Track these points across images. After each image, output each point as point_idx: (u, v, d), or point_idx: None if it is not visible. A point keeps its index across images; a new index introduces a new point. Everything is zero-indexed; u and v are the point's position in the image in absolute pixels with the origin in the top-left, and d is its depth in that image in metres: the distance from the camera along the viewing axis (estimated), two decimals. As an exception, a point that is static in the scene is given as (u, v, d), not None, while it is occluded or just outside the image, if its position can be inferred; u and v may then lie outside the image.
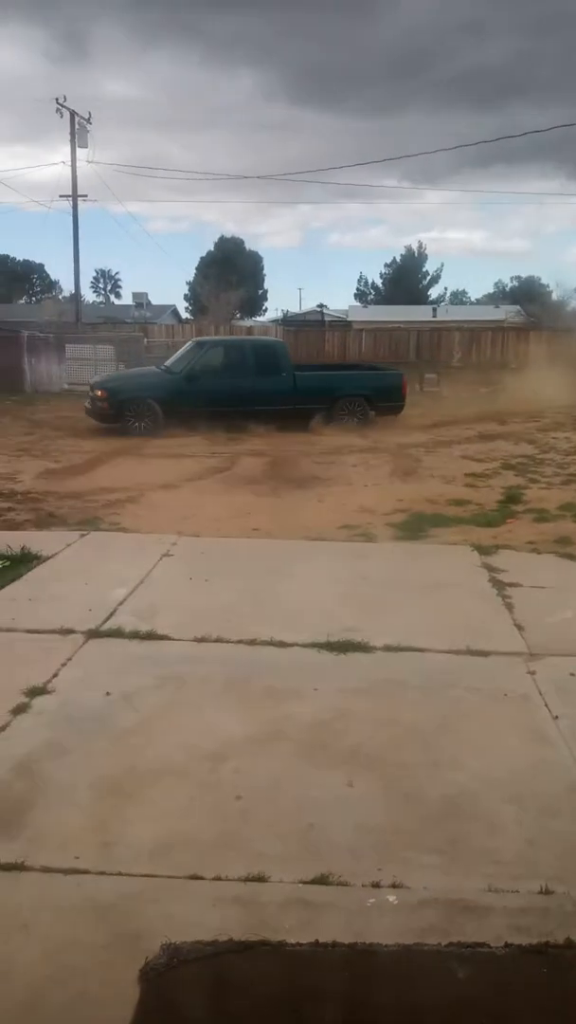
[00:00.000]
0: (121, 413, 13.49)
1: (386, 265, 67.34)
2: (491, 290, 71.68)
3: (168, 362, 15.08)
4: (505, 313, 44.53)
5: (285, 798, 2.94)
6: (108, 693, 3.73)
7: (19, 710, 3.55)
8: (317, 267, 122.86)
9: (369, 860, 2.60)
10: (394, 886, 2.47)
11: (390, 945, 2.21)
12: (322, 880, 2.49)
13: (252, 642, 4.33)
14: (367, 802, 2.92)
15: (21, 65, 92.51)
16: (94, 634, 4.44)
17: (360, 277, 70.79)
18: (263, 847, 2.65)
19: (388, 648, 4.27)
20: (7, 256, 67.09)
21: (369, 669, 4.05)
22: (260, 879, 2.49)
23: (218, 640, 4.36)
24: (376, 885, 2.47)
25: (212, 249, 63.75)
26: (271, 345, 15.75)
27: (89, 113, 32.34)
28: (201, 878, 2.50)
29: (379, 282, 67.17)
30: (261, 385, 13.88)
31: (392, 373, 15.82)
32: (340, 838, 2.71)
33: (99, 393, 13.88)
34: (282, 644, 4.31)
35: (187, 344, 15.89)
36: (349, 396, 14.44)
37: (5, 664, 4.07)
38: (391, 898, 2.42)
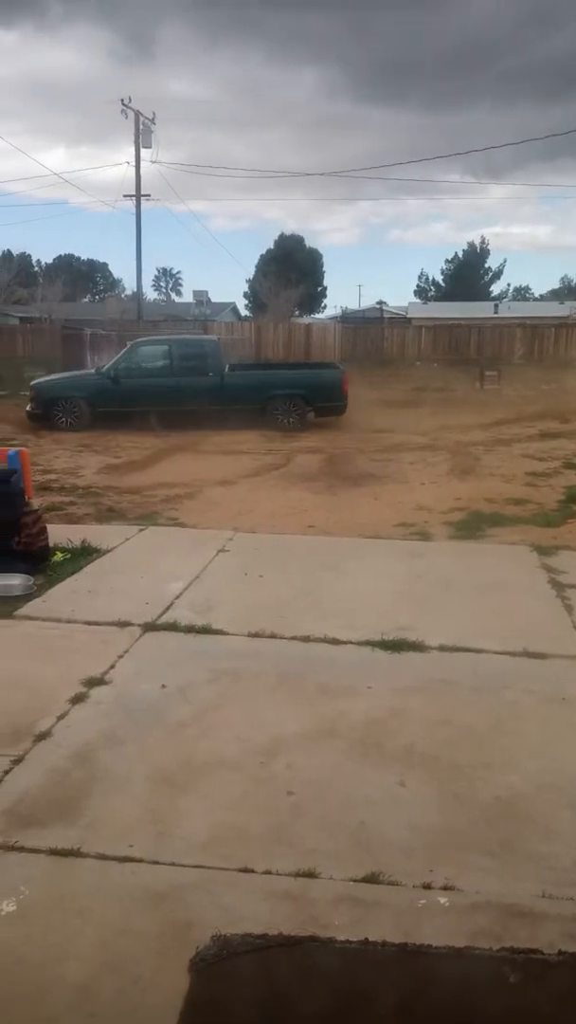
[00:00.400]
0: (49, 411, 14.00)
1: (447, 261, 66.50)
2: (556, 286, 70.13)
3: (108, 363, 15.18)
4: (570, 309, 43.47)
5: (337, 795, 2.94)
6: (163, 686, 3.78)
7: (77, 700, 3.63)
8: (377, 264, 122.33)
9: (420, 860, 2.58)
10: (445, 888, 2.44)
11: (440, 947, 2.19)
12: (372, 879, 2.48)
13: (306, 639, 4.34)
14: (419, 802, 2.90)
15: (88, 66, 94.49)
16: (151, 627, 4.51)
17: (421, 273, 70.03)
18: (314, 843, 2.66)
19: (443, 648, 4.22)
20: (72, 256, 68.56)
21: (424, 668, 4.02)
22: (310, 875, 2.50)
23: (272, 636, 4.38)
24: (427, 886, 2.45)
25: (272, 247, 63.94)
26: (200, 343, 15.38)
27: (153, 113, 32.94)
28: (252, 871, 2.52)
29: (440, 278, 66.41)
30: (188, 384, 13.77)
31: (330, 371, 15.15)
32: (391, 837, 2.70)
33: (29, 393, 14.55)
34: (336, 641, 4.31)
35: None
36: (283, 395, 13.95)
37: (64, 654, 4.16)
38: (442, 900, 2.40)
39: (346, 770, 3.11)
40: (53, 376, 16.37)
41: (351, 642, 4.30)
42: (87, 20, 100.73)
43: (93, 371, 15.48)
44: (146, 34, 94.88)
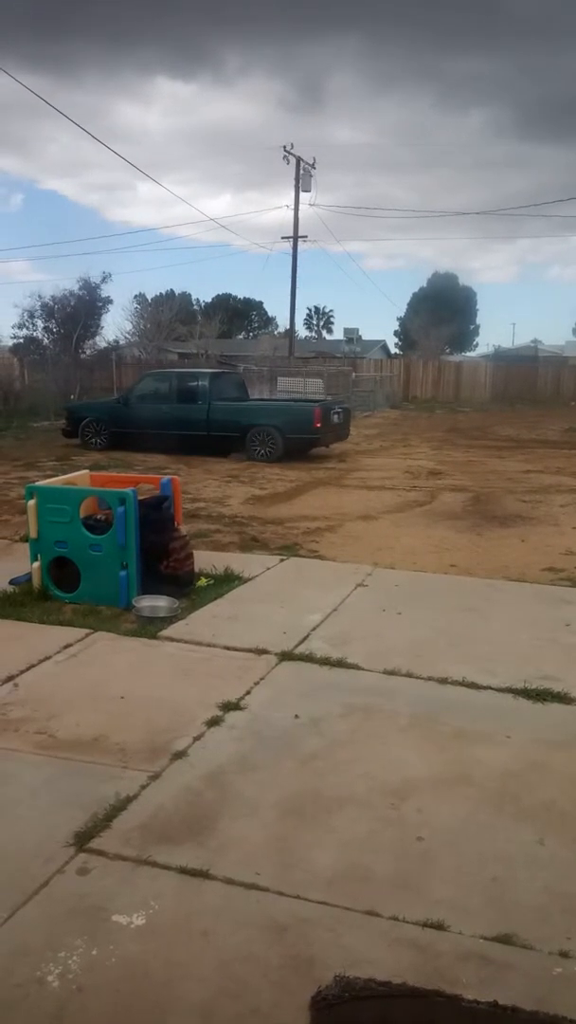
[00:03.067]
0: (76, 429, 15.87)
1: (609, 298, 63.97)
2: None
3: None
4: None
5: (469, 846, 2.82)
6: (297, 716, 3.79)
7: (213, 722, 3.71)
8: (534, 302, 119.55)
9: (557, 926, 2.42)
10: (585, 959, 2.28)
11: (577, 1023, 2.03)
12: (505, 939, 2.36)
13: (443, 681, 4.23)
14: (559, 864, 2.73)
15: (258, 116, 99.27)
16: (287, 656, 4.55)
17: (580, 311, 67.67)
18: (443, 893, 2.56)
19: (591, 701, 3.99)
20: (229, 295, 71.54)
21: (569, 722, 3.81)
22: (438, 927, 2.40)
23: (408, 675, 4.30)
24: (564, 955, 2.30)
25: (425, 285, 63.98)
26: (195, 376, 15.97)
27: (314, 158, 33.96)
28: (378, 915, 2.45)
29: (600, 316, 63.84)
30: (181, 413, 14.81)
31: (303, 405, 14.91)
32: (527, 898, 2.56)
33: (65, 413, 16.79)
34: (474, 685, 4.17)
35: None
36: (259, 427, 14.27)
37: (203, 677, 4.27)
38: (581, 972, 2.23)
39: (480, 821, 2.99)
40: (85, 401, 19.33)
41: (491, 687, 4.15)
42: (262, 71, 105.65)
43: (115, 398, 17.10)
44: (316, 83, 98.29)
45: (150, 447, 14.68)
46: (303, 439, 14.34)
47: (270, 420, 14.49)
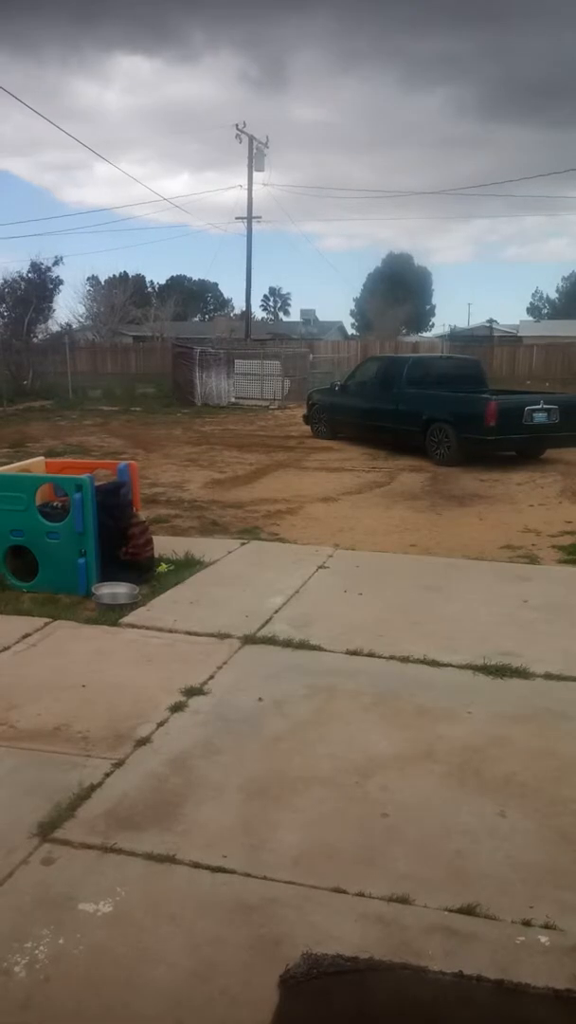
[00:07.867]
0: (309, 417, 15.73)
1: (564, 278, 64.90)
2: None
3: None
4: None
5: (433, 820, 2.87)
6: (260, 699, 3.80)
7: (177, 708, 3.70)
8: (490, 282, 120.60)
9: (520, 896, 2.47)
10: (546, 927, 2.33)
11: (540, 987, 2.09)
12: (468, 910, 2.40)
13: (405, 659, 4.27)
14: (520, 835, 2.79)
15: (221, 94, 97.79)
16: (250, 640, 4.55)
17: (535, 291, 68.59)
18: (408, 868, 2.60)
19: (549, 676, 4.07)
20: (184, 276, 70.78)
21: (527, 696, 3.88)
22: (404, 901, 2.44)
23: (370, 655, 4.34)
24: (527, 923, 2.35)
25: (380, 265, 64.08)
26: (396, 361, 14.49)
27: (267, 137, 33.62)
28: (344, 892, 2.48)
29: (555, 296, 64.78)
30: (377, 403, 13.32)
31: (476, 398, 12.09)
32: (489, 869, 2.61)
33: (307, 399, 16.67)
34: (436, 663, 4.22)
35: None
36: (437, 422, 11.94)
37: (165, 663, 4.25)
38: (542, 939, 2.29)
39: (443, 796, 3.03)
40: (321, 386, 17.73)
41: (451, 665, 4.21)
42: (226, 49, 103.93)
43: (333, 383, 16.21)
44: (281, 61, 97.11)
45: (356, 438, 13.73)
46: (476, 441, 11.44)
47: (444, 414, 11.90)
